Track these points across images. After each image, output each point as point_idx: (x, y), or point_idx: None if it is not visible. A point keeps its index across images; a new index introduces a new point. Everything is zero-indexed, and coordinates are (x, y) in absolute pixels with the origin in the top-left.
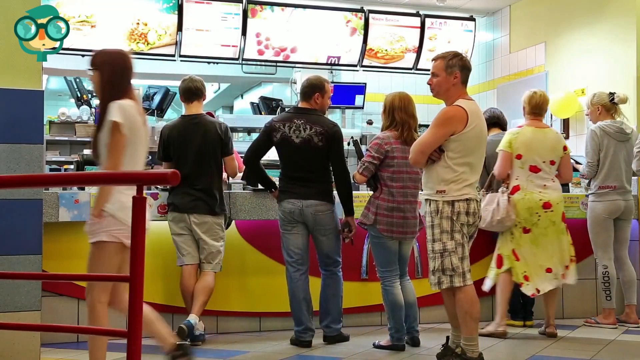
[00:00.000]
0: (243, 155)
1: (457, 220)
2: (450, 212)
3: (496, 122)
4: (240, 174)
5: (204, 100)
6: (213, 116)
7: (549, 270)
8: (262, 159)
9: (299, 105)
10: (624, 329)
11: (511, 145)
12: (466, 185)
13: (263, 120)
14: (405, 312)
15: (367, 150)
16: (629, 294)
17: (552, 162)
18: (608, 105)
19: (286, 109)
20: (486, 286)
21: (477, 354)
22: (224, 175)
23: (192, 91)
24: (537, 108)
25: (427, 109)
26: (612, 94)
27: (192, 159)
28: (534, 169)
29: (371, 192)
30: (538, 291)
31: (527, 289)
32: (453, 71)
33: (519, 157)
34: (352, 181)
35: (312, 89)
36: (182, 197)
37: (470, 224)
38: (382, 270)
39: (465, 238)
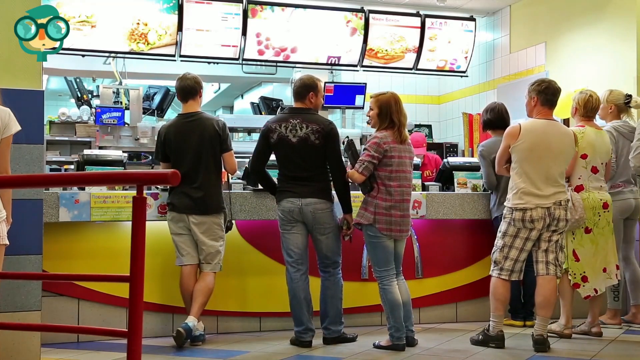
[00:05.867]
0: (237, 154)
1: (511, 225)
2: (509, 217)
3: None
4: (239, 172)
5: (200, 97)
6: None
7: (604, 270)
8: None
9: (294, 106)
10: (627, 328)
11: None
12: (525, 194)
13: (263, 120)
14: None
15: (364, 149)
16: (635, 293)
17: (604, 164)
18: (622, 107)
19: (281, 110)
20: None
21: (496, 332)
22: (226, 174)
23: (185, 90)
24: (592, 111)
25: (427, 109)
26: (629, 96)
27: (190, 157)
28: (595, 170)
29: (360, 193)
30: (596, 291)
31: (584, 291)
32: (531, 95)
33: (584, 156)
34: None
35: (305, 89)
36: (180, 197)
37: (530, 228)
38: (380, 270)
39: (521, 241)
